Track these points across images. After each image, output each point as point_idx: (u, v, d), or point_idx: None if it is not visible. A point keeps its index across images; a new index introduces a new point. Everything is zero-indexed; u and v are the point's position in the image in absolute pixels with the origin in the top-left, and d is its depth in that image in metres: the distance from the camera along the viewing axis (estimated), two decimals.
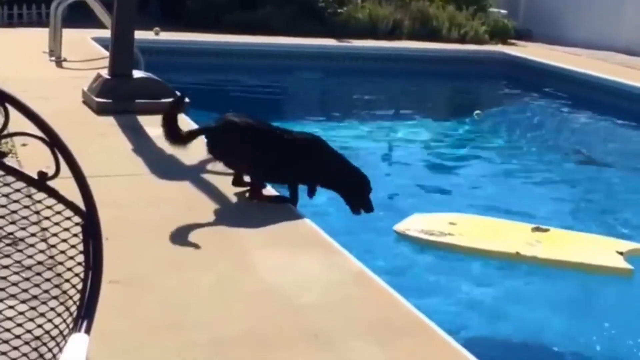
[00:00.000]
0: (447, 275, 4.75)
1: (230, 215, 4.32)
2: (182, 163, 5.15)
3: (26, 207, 1.57)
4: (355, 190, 4.51)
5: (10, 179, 1.56)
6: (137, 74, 6.58)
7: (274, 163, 4.44)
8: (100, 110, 6.22)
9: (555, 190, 6.71)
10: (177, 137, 4.47)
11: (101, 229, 1.53)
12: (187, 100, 6.57)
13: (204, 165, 5.00)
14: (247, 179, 4.59)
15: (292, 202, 4.51)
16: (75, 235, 1.52)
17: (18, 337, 1.51)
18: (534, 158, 7.93)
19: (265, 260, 3.73)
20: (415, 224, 5.08)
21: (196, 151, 5.10)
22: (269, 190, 4.62)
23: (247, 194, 4.53)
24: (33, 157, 1.60)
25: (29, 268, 1.54)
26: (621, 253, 4.85)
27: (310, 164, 4.51)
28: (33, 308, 1.51)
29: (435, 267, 4.84)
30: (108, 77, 6.39)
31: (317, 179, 4.56)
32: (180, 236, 3.91)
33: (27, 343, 1.51)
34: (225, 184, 4.64)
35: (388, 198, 5.05)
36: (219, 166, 4.81)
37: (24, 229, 1.58)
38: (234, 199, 4.52)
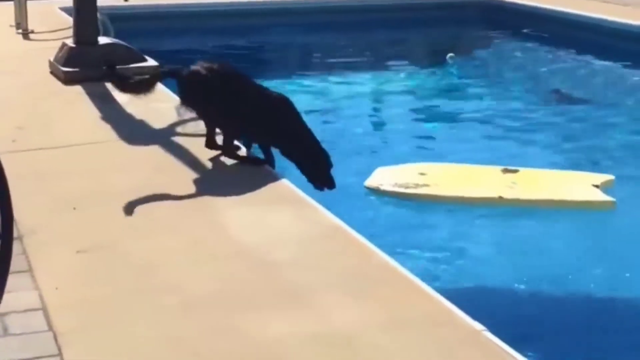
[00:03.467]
0: (426, 227, 4.70)
1: (201, 177, 4.25)
2: (152, 127, 5.07)
3: None
4: (314, 164, 4.33)
5: None
6: (103, 40, 6.45)
7: (246, 115, 4.31)
8: (67, 79, 6.10)
9: (526, 131, 6.61)
10: (133, 84, 4.31)
11: (9, 193, 1.45)
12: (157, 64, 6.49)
13: (174, 128, 4.92)
14: (220, 141, 4.49)
15: (268, 162, 4.42)
16: None
17: None
18: (506, 100, 7.81)
19: (237, 220, 3.68)
20: (385, 178, 5.02)
21: (166, 115, 5.03)
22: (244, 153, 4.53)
23: (220, 154, 4.44)
24: None
25: None
26: (597, 186, 4.83)
27: (275, 124, 4.36)
28: None
29: (413, 220, 4.79)
30: (73, 45, 6.27)
31: (277, 141, 4.39)
32: (150, 201, 3.85)
33: None
34: (196, 147, 4.55)
35: (356, 152, 4.97)
36: (189, 128, 4.73)
37: None
38: (206, 162, 4.43)
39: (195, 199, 3.92)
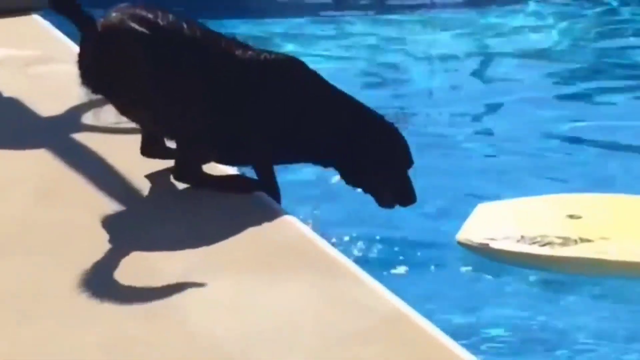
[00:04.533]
0: (582, 315, 4.82)
1: (135, 210, 4.38)
2: (40, 116, 5.19)
3: None
4: (381, 159, 4.54)
5: None
6: None
7: (219, 108, 4.46)
8: None
9: None
10: None
11: None
12: None
13: (79, 115, 5.02)
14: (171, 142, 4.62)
15: (266, 189, 4.56)
16: None
17: None
18: None
19: (205, 298, 3.76)
20: (496, 226, 5.08)
21: (66, 92, 5.11)
22: (218, 167, 4.65)
23: (172, 173, 4.57)
24: None
25: None
26: None
27: (292, 113, 4.55)
28: None
29: (552, 306, 4.90)
30: None
31: (305, 147, 4.60)
32: (37, 251, 3.98)
33: None
34: (122, 152, 4.70)
35: (435, 170, 4.97)
36: (110, 118, 4.83)
37: None
38: (144, 182, 4.57)
39: (124, 252, 4.00)
